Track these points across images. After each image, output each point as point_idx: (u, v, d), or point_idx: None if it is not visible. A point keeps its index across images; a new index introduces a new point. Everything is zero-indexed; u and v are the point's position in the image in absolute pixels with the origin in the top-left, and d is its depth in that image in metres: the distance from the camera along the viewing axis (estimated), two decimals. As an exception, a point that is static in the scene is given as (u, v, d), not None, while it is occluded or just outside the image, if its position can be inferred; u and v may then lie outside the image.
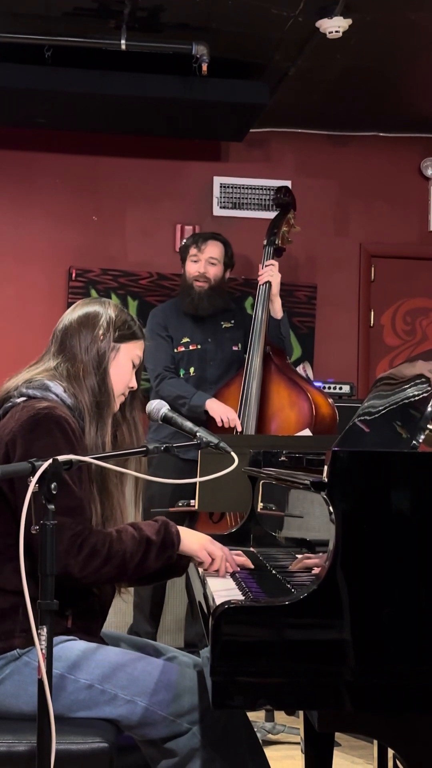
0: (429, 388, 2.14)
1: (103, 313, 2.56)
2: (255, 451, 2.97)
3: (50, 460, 1.99)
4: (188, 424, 2.56)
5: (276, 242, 5.02)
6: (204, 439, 2.51)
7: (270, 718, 4.04)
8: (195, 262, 4.97)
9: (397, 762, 2.55)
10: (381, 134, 6.16)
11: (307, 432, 4.35)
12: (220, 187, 6.04)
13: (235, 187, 6.05)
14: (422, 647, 1.87)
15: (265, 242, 5.04)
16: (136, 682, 2.29)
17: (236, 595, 2.23)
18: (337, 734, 3.37)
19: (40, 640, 1.96)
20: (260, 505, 2.92)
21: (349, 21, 4.53)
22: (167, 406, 2.60)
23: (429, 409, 2.08)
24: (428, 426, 2.08)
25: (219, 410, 4.67)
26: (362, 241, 6.16)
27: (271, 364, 4.77)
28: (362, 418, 2.47)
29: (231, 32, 4.83)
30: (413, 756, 1.91)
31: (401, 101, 5.66)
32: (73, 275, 5.80)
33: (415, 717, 1.91)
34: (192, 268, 4.97)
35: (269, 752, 2.59)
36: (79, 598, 2.37)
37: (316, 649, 1.86)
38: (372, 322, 6.17)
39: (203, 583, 2.40)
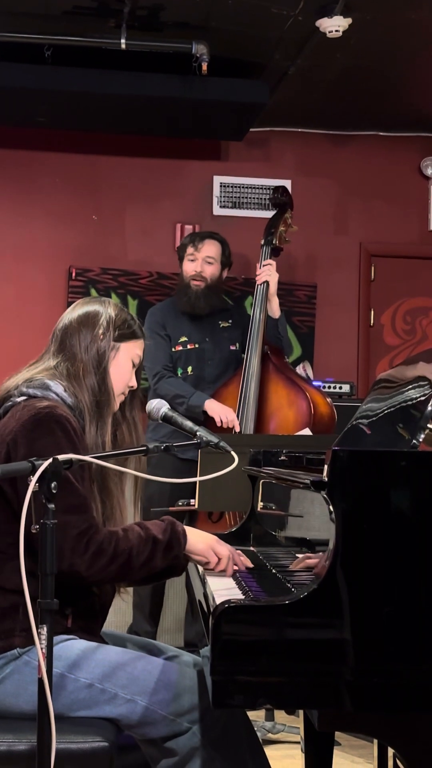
0: (430, 390, 2.14)
1: (103, 312, 2.56)
2: (255, 450, 2.96)
3: (50, 459, 1.99)
4: (188, 424, 2.56)
5: (273, 242, 5.02)
6: (204, 439, 2.51)
7: (270, 717, 4.04)
8: (192, 261, 4.97)
9: (397, 761, 2.55)
10: (381, 133, 6.16)
11: (307, 431, 4.35)
12: (220, 186, 6.04)
13: (235, 187, 6.05)
14: (422, 646, 1.87)
15: (262, 242, 5.04)
16: (136, 682, 2.29)
17: (236, 594, 2.23)
18: (337, 733, 3.37)
19: (40, 639, 1.96)
20: (260, 504, 2.92)
21: (349, 20, 4.53)
22: (167, 406, 2.60)
23: (429, 408, 2.08)
24: (428, 425, 2.08)
25: (218, 410, 4.67)
26: (362, 241, 6.16)
27: (270, 364, 4.77)
28: (361, 420, 2.47)
29: (231, 31, 4.83)
30: (413, 755, 1.91)
31: (401, 100, 5.66)
32: (73, 274, 5.80)
33: (415, 716, 1.91)
34: (189, 268, 4.97)
35: (269, 751, 2.59)
36: (80, 598, 2.37)
37: (316, 649, 1.86)
38: (372, 322, 6.17)
39: (203, 582, 2.40)
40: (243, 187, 6.03)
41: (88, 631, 2.39)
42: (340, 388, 5.40)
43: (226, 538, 2.70)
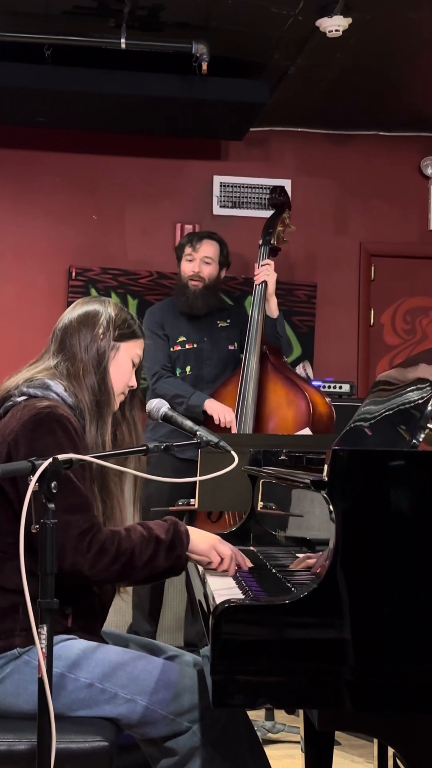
0: (430, 391, 2.14)
1: (102, 311, 2.56)
2: (255, 450, 2.96)
3: (50, 459, 1.99)
4: (188, 423, 2.56)
5: (271, 242, 5.02)
6: (204, 438, 2.51)
7: (270, 717, 4.04)
8: (190, 261, 4.96)
9: (397, 761, 2.55)
10: (381, 133, 6.16)
11: (307, 431, 4.35)
12: (220, 186, 6.04)
13: (235, 186, 6.05)
14: (422, 646, 1.87)
15: (260, 242, 5.03)
16: (136, 681, 2.29)
17: (236, 593, 2.23)
18: (337, 733, 3.37)
19: (40, 638, 1.96)
20: (260, 504, 2.92)
21: (349, 20, 4.53)
22: (167, 405, 2.60)
23: (429, 408, 2.08)
24: (428, 425, 2.08)
25: (217, 409, 4.68)
26: (362, 240, 6.16)
27: (268, 363, 4.77)
28: (360, 422, 2.46)
29: (231, 31, 4.83)
30: (413, 755, 1.91)
31: (401, 100, 5.66)
32: (73, 274, 5.80)
33: (415, 716, 1.91)
34: (187, 268, 4.97)
35: (269, 751, 2.59)
36: (80, 597, 2.37)
37: (316, 648, 1.86)
38: (372, 321, 6.17)
39: (203, 582, 2.40)
40: (243, 187, 6.03)
41: (88, 631, 2.39)
42: (340, 387, 5.40)
43: (226, 538, 2.70)
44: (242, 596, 2.20)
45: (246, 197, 6.01)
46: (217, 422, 4.63)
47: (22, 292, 5.84)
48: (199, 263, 4.95)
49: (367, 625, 1.87)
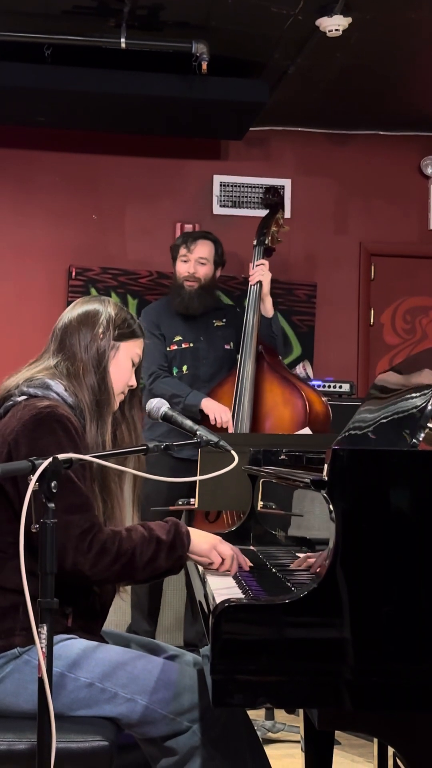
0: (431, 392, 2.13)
1: (102, 311, 2.56)
2: (255, 449, 2.96)
3: (50, 459, 1.99)
4: (188, 423, 2.56)
5: (266, 242, 5.01)
6: (204, 438, 2.51)
7: (270, 716, 4.04)
8: (185, 262, 4.95)
9: (397, 760, 2.55)
10: (381, 133, 6.16)
11: (307, 431, 4.35)
12: (220, 185, 6.04)
13: (235, 186, 6.05)
14: (422, 646, 1.87)
15: (255, 242, 5.02)
16: (136, 681, 2.29)
17: (236, 593, 2.23)
18: (337, 732, 3.37)
19: (40, 638, 1.96)
20: (260, 503, 2.92)
21: (349, 19, 4.54)
22: (167, 405, 2.60)
23: (429, 407, 2.08)
24: (428, 424, 2.07)
25: (213, 409, 4.67)
26: (362, 240, 6.16)
27: (264, 363, 4.76)
28: (355, 430, 2.44)
29: (231, 31, 4.83)
30: (413, 754, 1.91)
31: (401, 100, 5.66)
32: (73, 274, 5.80)
33: (415, 715, 1.91)
34: (182, 269, 4.96)
35: (269, 750, 2.59)
36: (80, 597, 2.38)
37: (316, 648, 1.86)
38: (372, 321, 6.17)
39: (203, 582, 2.40)
40: (243, 186, 6.03)
41: (88, 631, 2.39)
42: (340, 387, 5.40)
43: (226, 538, 2.70)
44: (242, 596, 2.20)
45: (246, 197, 6.01)
46: (213, 422, 4.63)
47: (22, 291, 5.84)
48: (194, 264, 4.94)
49: (367, 625, 1.87)
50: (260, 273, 4.88)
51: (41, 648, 1.96)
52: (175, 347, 4.91)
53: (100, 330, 2.53)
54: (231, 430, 4.61)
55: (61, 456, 2.01)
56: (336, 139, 6.16)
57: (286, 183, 6.06)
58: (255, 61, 5.16)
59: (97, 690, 2.28)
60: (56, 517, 1.98)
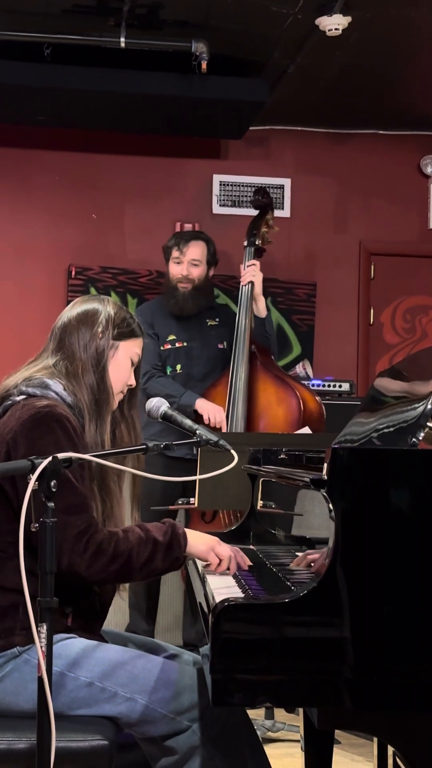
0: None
1: (102, 310, 2.56)
2: (254, 448, 2.96)
3: (50, 458, 1.99)
4: (188, 422, 2.56)
5: (256, 243, 5.00)
6: (204, 437, 2.51)
7: (270, 715, 4.04)
8: (178, 264, 4.94)
9: (397, 760, 2.55)
10: (380, 132, 6.16)
11: (306, 430, 4.35)
12: (220, 184, 6.04)
13: (235, 185, 6.04)
14: (422, 645, 1.87)
15: (245, 243, 5.01)
16: (136, 680, 2.29)
17: (236, 592, 2.23)
18: (336, 732, 3.38)
19: (39, 637, 1.96)
20: (260, 502, 2.92)
21: (349, 18, 4.54)
22: (167, 404, 2.60)
23: (429, 406, 2.07)
24: (428, 423, 2.07)
25: (207, 409, 4.67)
26: (362, 239, 6.16)
27: (257, 363, 4.76)
28: (350, 437, 2.41)
29: (230, 30, 4.82)
30: (413, 753, 1.91)
31: (401, 99, 5.66)
32: (73, 273, 5.80)
33: (415, 715, 1.91)
34: (175, 270, 4.94)
35: (269, 750, 2.59)
36: (80, 596, 2.37)
37: (315, 647, 1.86)
38: (372, 320, 6.17)
39: (203, 581, 2.40)
40: (242, 186, 6.03)
41: (88, 630, 2.39)
42: (340, 386, 5.40)
43: (226, 537, 2.70)
44: (242, 595, 2.20)
45: (246, 196, 6.01)
46: (206, 422, 4.62)
47: (22, 290, 5.84)
48: (187, 266, 4.93)
49: (366, 624, 1.86)
50: (251, 273, 4.88)
51: (41, 647, 1.96)
52: (169, 346, 4.90)
53: (99, 329, 2.53)
54: (224, 430, 4.61)
55: (60, 455, 2.01)
56: (336, 138, 6.15)
57: (286, 182, 6.06)
58: (255, 60, 5.16)
59: (97, 689, 2.28)
60: (54, 516, 1.98)
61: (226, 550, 2.44)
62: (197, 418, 4.67)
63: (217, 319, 5.04)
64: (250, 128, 5.75)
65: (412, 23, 4.66)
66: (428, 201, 6.21)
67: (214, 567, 2.43)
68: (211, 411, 4.66)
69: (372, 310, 6.17)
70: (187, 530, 2.41)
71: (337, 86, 5.44)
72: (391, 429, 2.18)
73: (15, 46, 4.91)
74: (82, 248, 5.88)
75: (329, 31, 4.58)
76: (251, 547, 2.89)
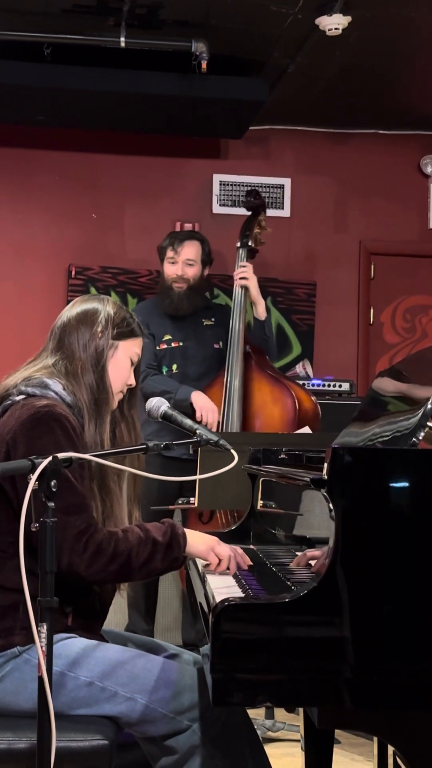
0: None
1: (101, 310, 2.55)
2: (255, 448, 2.96)
3: (50, 458, 1.99)
4: (188, 422, 2.56)
5: (249, 244, 4.99)
6: (204, 437, 2.51)
7: (270, 715, 4.04)
8: (173, 264, 4.93)
9: (397, 759, 2.55)
10: (380, 131, 6.16)
11: (306, 430, 4.35)
12: (220, 184, 6.04)
13: (235, 185, 6.04)
14: (422, 645, 1.87)
15: (238, 244, 5.00)
16: (136, 680, 2.29)
17: (236, 592, 2.23)
18: (337, 731, 3.38)
19: (40, 637, 1.96)
20: (260, 502, 2.92)
21: (349, 18, 4.54)
22: (167, 404, 2.60)
23: (429, 405, 2.07)
24: (428, 423, 2.07)
25: (201, 404, 4.65)
26: (362, 239, 6.16)
27: (252, 362, 4.75)
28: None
29: (230, 29, 4.82)
30: (413, 753, 1.91)
31: (401, 99, 5.66)
32: (73, 273, 5.80)
33: (415, 714, 1.91)
34: (170, 271, 4.93)
35: (269, 749, 2.59)
36: (80, 596, 2.37)
37: (316, 647, 1.86)
38: (372, 320, 6.17)
39: (203, 581, 2.40)
40: (242, 185, 6.03)
41: (88, 630, 2.39)
42: (340, 386, 5.40)
43: (226, 537, 2.70)
44: (242, 595, 2.20)
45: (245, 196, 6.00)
46: (199, 419, 4.60)
47: (22, 290, 5.84)
48: (182, 266, 4.91)
49: (367, 624, 1.86)
50: (244, 276, 4.87)
51: (41, 647, 1.96)
52: (165, 346, 4.90)
53: (99, 329, 2.53)
54: (214, 431, 4.59)
55: (60, 455, 2.01)
56: (336, 138, 6.15)
57: (286, 182, 6.06)
58: (254, 60, 5.16)
59: (97, 689, 2.28)
60: (54, 516, 1.98)
61: (225, 549, 2.44)
62: (193, 411, 4.65)
63: (213, 319, 5.03)
64: (250, 128, 5.75)
65: (412, 23, 4.66)
66: (428, 201, 6.21)
67: (214, 567, 2.43)
68: (205, 408, 4.64)
69: (372, 310, 6.17)
70: (186, 530, 2.41)
71: (337, 86, 5.44)
72: (387, 438, 2.18)
73: (15, 46, 4.91)
74: (82, 248, 5.88)
75: (329, 30, 4.58)
76: (251, 546, 2.89)
